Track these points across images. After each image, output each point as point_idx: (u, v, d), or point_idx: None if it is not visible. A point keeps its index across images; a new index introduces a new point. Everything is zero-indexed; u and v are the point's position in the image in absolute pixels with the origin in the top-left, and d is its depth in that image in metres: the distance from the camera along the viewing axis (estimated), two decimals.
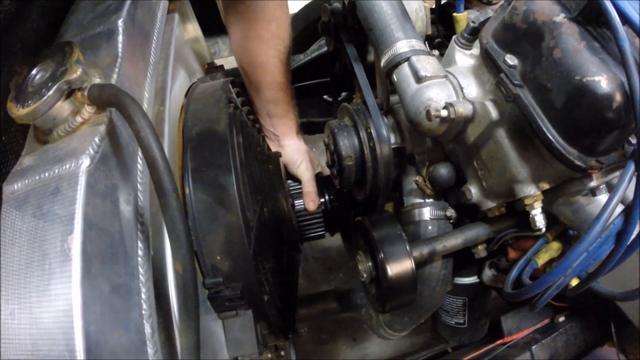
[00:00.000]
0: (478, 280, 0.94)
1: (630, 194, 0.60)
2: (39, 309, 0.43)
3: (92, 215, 0.48)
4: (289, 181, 1.06)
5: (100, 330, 0.43)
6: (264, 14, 0.98)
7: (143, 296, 0.51)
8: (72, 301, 0.42)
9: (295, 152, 1.08)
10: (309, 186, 1.03)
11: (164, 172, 0.49)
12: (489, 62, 0.69)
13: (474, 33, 0.76)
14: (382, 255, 0.73)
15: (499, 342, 1.09)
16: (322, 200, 1.03)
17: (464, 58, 0.76)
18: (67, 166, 0.50)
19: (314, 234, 1.04)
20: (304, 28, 1.49)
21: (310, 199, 1.02)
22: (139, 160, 0.60)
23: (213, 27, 1.03)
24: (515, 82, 0.64)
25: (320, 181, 1.05)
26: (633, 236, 0.63)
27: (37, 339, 0.43)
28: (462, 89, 0.73)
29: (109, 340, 0.44)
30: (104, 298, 0.45)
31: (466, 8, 0.90)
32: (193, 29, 1.00)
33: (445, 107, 0.68)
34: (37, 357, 0.42)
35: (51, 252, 0.45)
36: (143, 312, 0.50)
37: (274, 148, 1.09)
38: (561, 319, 1.09)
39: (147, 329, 0.50)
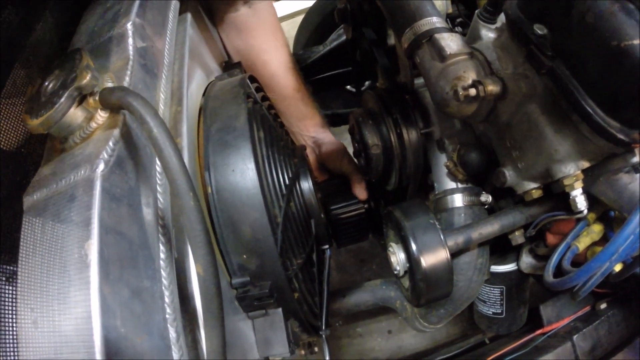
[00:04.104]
0: (516, 267, 0.90)
1: None
2: (59, 318, 0.43)
3: (109, 219, 0.47)
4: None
5: (122, 337, 0.42)
6: (269, 25, 1.02)
7: (167, 300, 0.50)
8: (90, 308, 0.41)
9: (335, 146, 1.08)
10: (358, 177, 1.03)
11: (179, 172, 0.48)
12: (516, 34, 0.64)
13: (497, 5, 0.71)
14: (415, 246, 0.70)
15: (538, 332, 1.03)
16: (367, 205, 1.01)
17: (489, 33, 0.72)
18: (82, 172, 0.49)
19: (358, 237, 1.03)
20: (321, 21, 1.46)
21: (362, 188, 1.01)
22: (158, 162, 0.59)
23: None
24: (548, 54, 0.59)
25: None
26: None
27: (59, 347, 0.42)
28: (489, 65, 0.68)
29: (130, 346, 0.43)
30: (124, 304, 0.44)
31: None
32: (208, 28, 0.99)
33: (473, 85, 0.64)
34: None
35: (69, 260, 0.45)
36: (167, 316, 0.49)
37: (311, 149, 1.09)
38: (603, 306, 1.02)
39: (172, 333, 0.49)
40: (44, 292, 0.45)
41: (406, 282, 0.76)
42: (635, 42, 0.52)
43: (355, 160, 0.99)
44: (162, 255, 0.53)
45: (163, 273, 0.52)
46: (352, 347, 1.41)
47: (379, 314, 1.44)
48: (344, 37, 1.24)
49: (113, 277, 0.44)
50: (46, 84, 0.56)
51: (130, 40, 0.63)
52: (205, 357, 0.51)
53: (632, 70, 0.53)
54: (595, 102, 0.58)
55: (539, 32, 0.61)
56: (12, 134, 0.63)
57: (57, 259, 0.46)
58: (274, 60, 1.04)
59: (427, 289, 0.71)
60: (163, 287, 0.51)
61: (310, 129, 1.09)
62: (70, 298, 0.43)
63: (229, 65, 0.92)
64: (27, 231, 0.49)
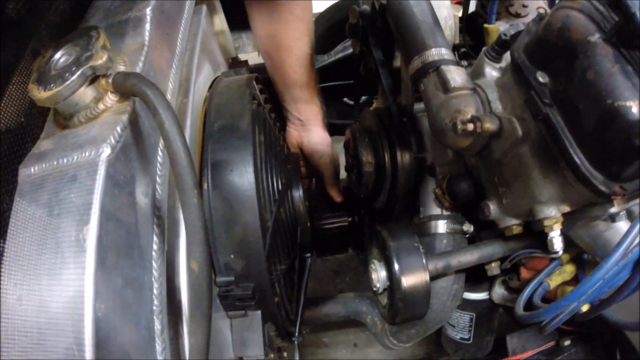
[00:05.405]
0: (488, 297, 0.93)
1: None
2: (49, 298, 0.42)
3: (110, 206, 0.47)
4: None
5: (111, 325, 0.43)
6: (302, 13, 0.98)
7: (155, 291, 0.51)
8: (84, 293, 0.41)
9: (320, 142, 1.07)
10: (331, 179, 1.03)
11: (187, 167, 0.48)
12: (519, 78, 0.67)
13: (504, 46, 0.74)
14: (397, 266, 0.72)
15: None
16: (351, 218, 1.03)
17: (493, 71, 0.75)
18: (87, 154, 0.49)
19: (338, 249, 1.04)
20: (329, 28, 1.47)
21: (336, 191, 1.02)
22: (160, 152, 0.59)
23: (238, 21, 1.02)
24: (546, 101, 0.62)
25: (350, 197, 1.05)
26: None
27: (44, 327, 0.42)
28: (489, 102, 0.71)
29: (119, 335, 0.43)
30: (116, 292, 0.45)
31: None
32: (220, 21, 0.99)
33: (471, 121, 0.66)
34: (43, 346, 0.41)
35: (65, 241, 0.44)
36: (154, 307, 0.50)
37: (298, 133, 1.07)
38: (567, 342, 1.06)
39: (157, 325, 0.49)
40: (33, 269, 0.44)
41: (384, 300, 0.78)
42: (629, 103, 0.56)
43: (345, 172, 1.00)
44: (154, 247, 0.53)
45: (154, 264, 0.52)
46: (316, 356, 1.41)
47: (347, 326, 1.45)
48: (349, 51, 1.26)
49: (109, 264, 0.44)
50: (57, 56, 0.55)
51: (148, 26, 0.63)
52: (187, 352, 0.51)
53: (622, 129, 0.56)
54: (584, 154, 0.61)
55: (540, 79, 0.64)
56: (12, 102, 0.62)
57: (50, 238, 0.45)
58: (285, 34, 1.00)
59: (405, 309, 0.73)
60: (153, 279, 0.51)
61: (304, 114, 1.07)
62: (62, 280, 0.42)
63: (235, 63, 0.92)
64: (20, 204, 0.48)
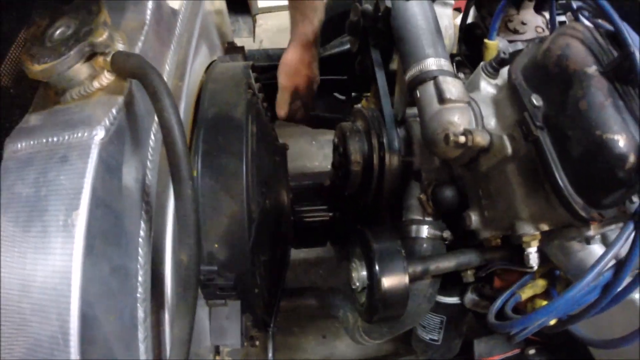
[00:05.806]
0: (459, 301, 0.95)
1: (622, 249, 0.61)
2: (33, 284, 0.41)
3: (101, 191, 0.46)
4: None
5: (96, 313, 0.42)
6: None
7: (140, 279, 0.50)
8: (71, 281, 0.40)
9: (294, 57, 1.00)
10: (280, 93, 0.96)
11: (183, 158, 0.48)
12: (514, 98, 0.68)
13: (502, 64, 0.75)
14: (379, 268, 0.73)
15: None
16: (331, 213, 1.03)
17: (488, 87, 0.76)
18: (79, 135, 0.48)
19: (317, 242, 1.05)
20: (326, 22, 1.45)
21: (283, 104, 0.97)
22: (152, 137, 0.58)
23: (236, 4, 1.00)
24: (538, 124, 0.64)
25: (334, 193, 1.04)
26: (619, 289, 0.64)
27: (28, 314, 0.40)
28: (482, 117, 0.72)
29: (103, 323, 0.43)
30: (103, 280, 0.44)
31: None
32: (219, 2, 0.97)
33: (463, 134, 0.67)
34: (24, 332, 0.40)
35: (52, 225, 0.43)
36: (138, 295, 0.49)
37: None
38: (531, 351, 1.10)
39: (140, 313, 0.49)
40: (17, 251, 0.43)
41: (362, 298, 0.79)
42: (616, 137, 0.58)
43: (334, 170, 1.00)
44: (142, 233, 0.53)
45: (140, 251, 0.52)
46: (284, 344, 1.43)
47: (317, 317, 1.47)
48: (344, 47, 1.25)
49: (97, 251, 0.44)
50: (54, 28, 0.53)
51: (150, 4, 0.62)
52: (170, 343, 0.51)
53: (607, 160, 0.58)
54: (568, 178, 0.63)
55: (535, 102, 0.65)
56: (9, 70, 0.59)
57: (36, 220, 0.43)
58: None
59: (383, 309, 0.74)
60: (138, 265, 0.51)
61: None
62: (48, 266, 0.41)
63: (232, 48, 0.91)
64: (5, 181, 0.46)
